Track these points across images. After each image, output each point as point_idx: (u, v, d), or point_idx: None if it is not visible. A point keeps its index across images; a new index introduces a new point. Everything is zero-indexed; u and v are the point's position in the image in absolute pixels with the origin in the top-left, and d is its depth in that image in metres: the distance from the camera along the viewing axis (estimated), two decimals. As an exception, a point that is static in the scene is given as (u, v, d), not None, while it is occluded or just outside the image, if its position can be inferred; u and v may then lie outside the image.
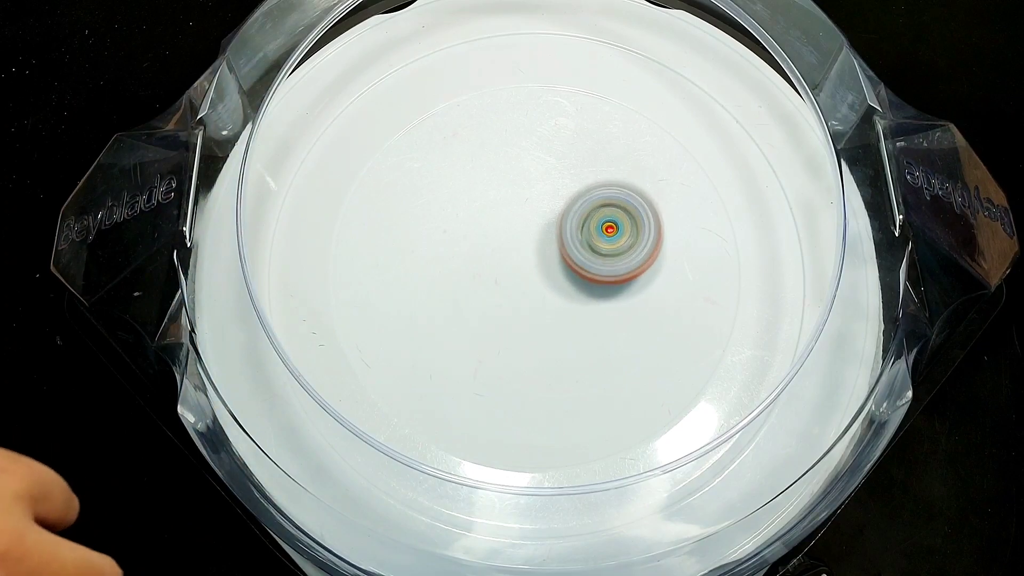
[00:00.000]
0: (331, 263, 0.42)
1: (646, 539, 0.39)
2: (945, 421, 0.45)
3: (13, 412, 0.45)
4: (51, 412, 0.45)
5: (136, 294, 0.39)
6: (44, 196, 0.47)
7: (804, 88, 0.41)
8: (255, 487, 0.37)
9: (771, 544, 0.39)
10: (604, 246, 0.41)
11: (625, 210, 0.41)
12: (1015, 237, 0.39)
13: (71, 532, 0.43)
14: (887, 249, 0.42)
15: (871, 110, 0.42)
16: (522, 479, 0.39)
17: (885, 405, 0.39)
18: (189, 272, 0.41)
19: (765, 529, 0.39)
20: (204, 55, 0.44)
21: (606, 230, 0.41)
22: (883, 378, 0.39)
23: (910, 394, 0.38)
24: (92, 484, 0.43)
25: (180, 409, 0.37)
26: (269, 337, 0.36)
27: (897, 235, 0.40)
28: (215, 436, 0.37)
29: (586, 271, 0.40)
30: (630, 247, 0.40)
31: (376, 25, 0.46)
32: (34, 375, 0.45)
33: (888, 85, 0.43)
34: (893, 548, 0.44)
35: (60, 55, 0.50)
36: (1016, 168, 0.48)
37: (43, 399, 0.45)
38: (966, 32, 0.51)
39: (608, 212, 0.41)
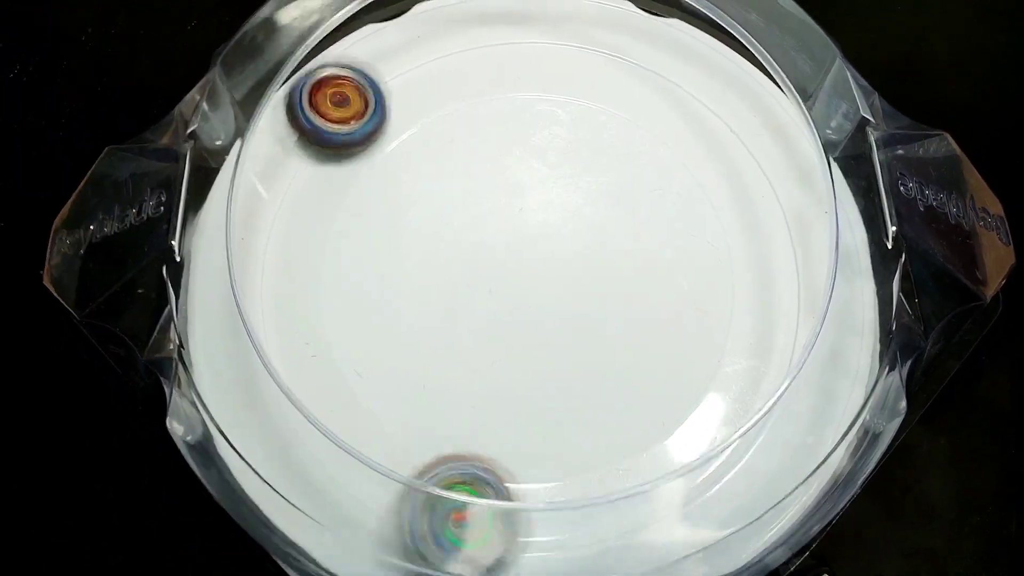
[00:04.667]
0: (323, 274, 0.42)
1: (639, 551, 0.39)
2: (945, 421, 0.45)
3: (12, 412, 0.45)
4: (51, 412, 0.45)
5: (128, 304, 0.39)
6: (44, 198, 0.48)
7: (797, 98, 0.41)
8: (244, 502, 0.37)
9: (767, 554, 0.39)
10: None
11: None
12: (1011, 247, 0.39)
13: (70, 535, 0.43)
14: (881, 260, 0.42)
15: (864, 120, 0.42)
16: (515, 492, 0.39)
17: (880, 417, 0.39)
18: (181, 285, 0.41)
19: (759, 540, 0.39)
20: (205, 59, 0.44)
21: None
22: (877, 390, 0.39)
23: (904, 406, 0.38)
24: (91, 488, 0.44)
25: (169, 422, 0.37)
26: (257, 350, 0.36)
27: (891, 246, 0.40)
28: (204, 450, 0.37)
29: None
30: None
31: (369, 35, 0.46)
32: (35, 374, 0.45)
33: (882, 90, 0.43)
34: (893, 549, 0.43)
35: (61, 58, 0.50)
36: (1012, 177, 0.48)
37: (43, 399, 0.45)
38: (963, 37, 0.51)
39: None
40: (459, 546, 0.37)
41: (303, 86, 0.43)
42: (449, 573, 0.38)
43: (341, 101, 0.43)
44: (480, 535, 0.38)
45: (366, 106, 0.44)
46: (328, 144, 0.44)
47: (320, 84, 0.44)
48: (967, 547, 0.43)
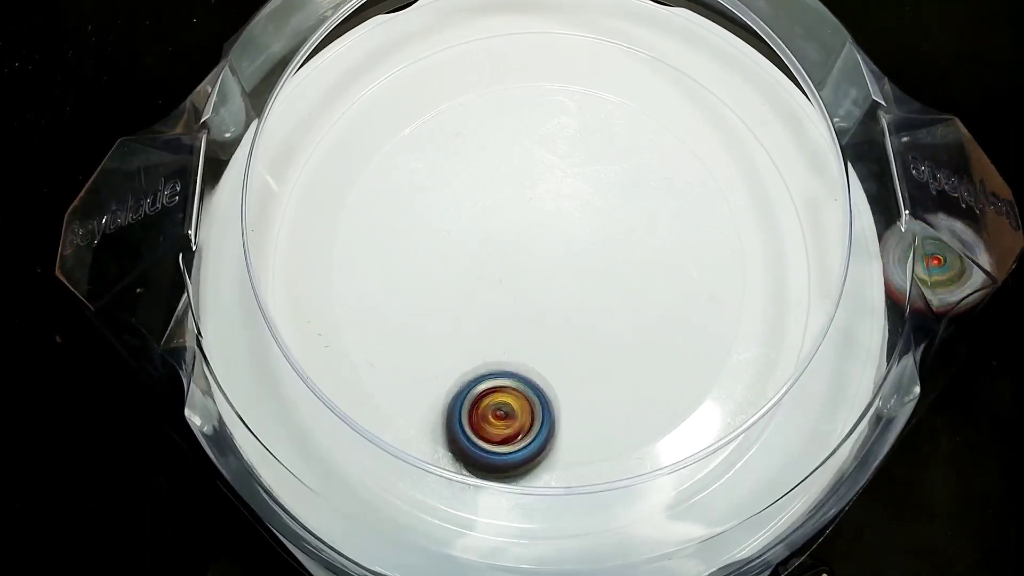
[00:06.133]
0: (335, 264, 0.42)
1: (651, 539, 0.39)
2: (947, 421, 0.45)
3: (12, 411, 0.45)
4: (52, 410, 0.45)
5: (141, 293, 0.39)
6: (47, 191, 0.48)
7: (808, 84, 0.41)
8: (262, 489, 0.37)
9: (779, 543, 0.39)
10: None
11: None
12: (1021, 231, 0.39)
13: (78, 529, 0.43)
14: (895, 244, 0.42)
15: (875, 105, 0.42)
16: (528, 479, 0.39)
17: (893, 401, 0.39)
18: (194, 275, 0.41)
19: (772, 527, 0.39)
20: (208, 53, 0.44)
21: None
22: (890, 374, 0.39)
23: (918, 389, 0.38)
24: (100, 483, 0.44)
25: (187, 412, 0.37)
26: (275, 339, 0.36)
27: (904, 230, 0.40)
28: (222, 439, 0.37)
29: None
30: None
31: (378, 25, 0.46)
32: (36, 372, 0.45)
33: (892, 78, 0.43)
34: (895, 549, 0.44)
35: (63, 51, 0.50)
36: (1022, 162, 0.48)
37: (44, 397, 0.45)
38: (971, 23, 0.51)
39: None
40: None
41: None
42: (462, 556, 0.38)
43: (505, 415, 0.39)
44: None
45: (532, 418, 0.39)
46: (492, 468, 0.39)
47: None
48: (969, 548, 0.44)
